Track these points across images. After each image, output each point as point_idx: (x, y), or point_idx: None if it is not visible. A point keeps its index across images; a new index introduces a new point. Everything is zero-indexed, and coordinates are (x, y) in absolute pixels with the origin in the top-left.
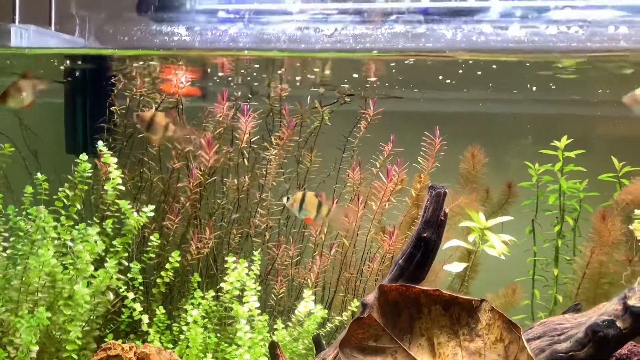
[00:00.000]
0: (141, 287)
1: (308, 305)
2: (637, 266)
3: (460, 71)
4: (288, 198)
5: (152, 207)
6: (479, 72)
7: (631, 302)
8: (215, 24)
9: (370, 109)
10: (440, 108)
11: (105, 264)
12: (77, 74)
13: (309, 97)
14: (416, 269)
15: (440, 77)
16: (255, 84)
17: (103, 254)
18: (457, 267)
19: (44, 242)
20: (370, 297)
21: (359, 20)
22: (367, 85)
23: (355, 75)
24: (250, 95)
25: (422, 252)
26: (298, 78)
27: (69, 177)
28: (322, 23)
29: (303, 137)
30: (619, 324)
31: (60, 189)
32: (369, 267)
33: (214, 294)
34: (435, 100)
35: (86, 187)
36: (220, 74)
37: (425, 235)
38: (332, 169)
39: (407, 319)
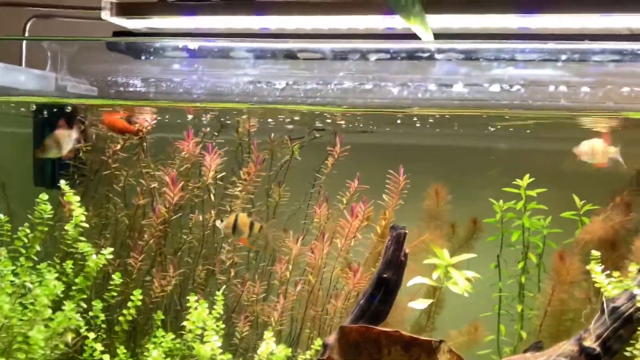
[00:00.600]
0: (104, 326)
1: (269, 346)
2: (596, 304)
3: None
4: (221, 220)
5: (111, 249)
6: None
7: (586, 343)
8: (170, 75)
9: (337, 145)
10: (410, 141)
11: (63, 307)
12: (45, 109)
13: (272, 134)
14: (377, 309)
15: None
16: (227, 117)
17: (62, 295)
18: (421, 304)
19: (1, 286)
20: (331, 338)
21: (310, 76)
22: (338, 122)
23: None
24: (219, 130)
25: (383, 292)
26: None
27: (29, 216)
28: (274, 78)
29: (273, 171)
30: None
31: (20, 228)
32: (333, 305)
33: (177, 332)
34: (405, 134)
35: (46, 229)
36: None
37: (385, 275)
38: (302, 203)
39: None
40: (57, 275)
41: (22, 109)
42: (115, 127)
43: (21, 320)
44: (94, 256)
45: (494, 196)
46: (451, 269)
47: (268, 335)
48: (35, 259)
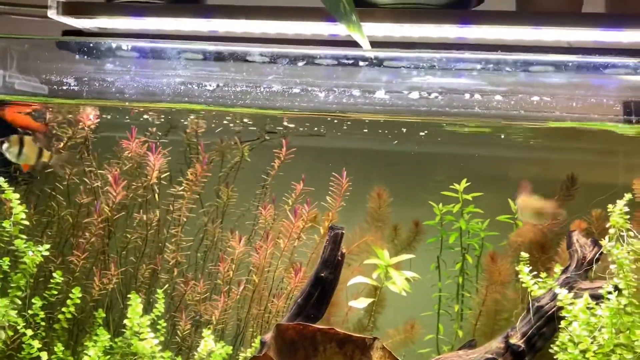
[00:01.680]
0: (43, 324)
1: (208, 344)
2: (526, 304)
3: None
4: (2, 142)
5: (47, 246)
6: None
7: (512, 340)
8: (102, 74)
9: (283, 147)
10: (356, 145)
11: None
12: None
13: (222, 136)
14: (314, 308)
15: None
16: (175, 118)
17: None
18: (362, 303)
19: None
20: (268, 336)
21: (240, 78)
22: (287, 124)
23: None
24: (168, 131)
25: (319, 291)
26: (214, 120)
27: None
28: (205, 80)
29: (223, 172)
30: None
31: None
32: (274, 304)
33: (121, 330)
34: (352, 136)
35: None
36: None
37: (323, 274)
38: (250, 204)
39: (303, 357)
40: None
41: None
42: (17, 123)
43: None
44: (30, 253)
45: (435, 200)
46: (391, 269)
47: (207, 333)
48: None
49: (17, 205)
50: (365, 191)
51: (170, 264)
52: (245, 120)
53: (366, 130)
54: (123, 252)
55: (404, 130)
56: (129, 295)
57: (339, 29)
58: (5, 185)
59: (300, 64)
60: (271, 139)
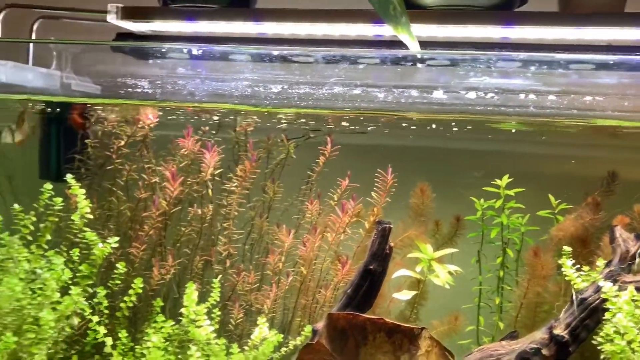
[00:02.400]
0: (107, 311)
1: (262, 331)
2: (568, 296)
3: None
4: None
5: (117, 238)
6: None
7: (556, 331)
8: (174, 78)
9: (328, 144)
10: (399, 142)
11: (70, 291)
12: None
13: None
14: (363, 299)
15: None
16: (225, 118)
17: (69, 282)
18: (405, 295)
19: (15, 271)
20: (320, 325)
21: (304, 81)
22: (329, 121)
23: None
24: (216, 130)
25: (368, 283)
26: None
27: (35, 205)
28: (271, 83)
29: (269, 169)
30: (544, 351)
31: (26, 215)
32: (322, 294)
33: (176, 318)
34: (395, 135)
35: (56, 220)
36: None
37: (371, 267)
38: (295, 198)
39: (353, 345)
40: (64, 261)
41: (29, 104)
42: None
43: (30, 304)
44: (100, 245)
45: (476, 195)
46: (434, 263)
47: (261, 321)
48: (46, 247)
49: (82, 200)
50: (404, 187)
51: (223, 255)
52: (302, 120)
53: (413, 128)
54: (177, 245)
55: (442, 128)
56: (186, 285)
57: (383, 30)
58: (73, 182)
59: (360, 65)
60: (315, 136)
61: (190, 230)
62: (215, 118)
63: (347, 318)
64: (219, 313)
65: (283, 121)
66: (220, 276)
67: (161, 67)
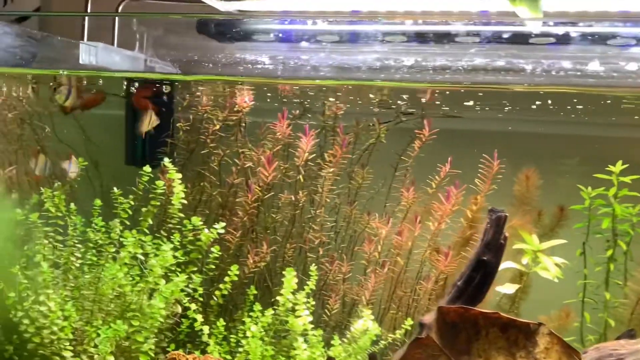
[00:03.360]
0: (201, 299)
1: (366, 323)
2: None
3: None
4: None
5: (224, 224)
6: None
7: None
8: (297, 52)
9: (426, 128)
10: (496, 127)
11: (176, 278)
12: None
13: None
14: (475, 291)
15: (505, 102)
16: (308, 101)
17: (172, 268)
18: (509, 288)
19: (120, 256)
20: (428, 318)
21: (439, 52)
22: (423, 104)
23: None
24: (302, 113)
25: (481, 275)
26: (358, 100)
27: (134, 189)
28: (403, 55)
29: (357, 154)
30: None
31: (125, 200)
32: (422, 287)
33: (270, 307)
34: (491, 119)
35: (158, 203)
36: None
37: (484, 258)
38: (382, 186)
39: (465, 340)
40: (172, 247)
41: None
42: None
43: (132, 290)
44: (206, 230)
45: (582, 183)
46: (541, 255)
47: (366, 313)
48: (147, 232)
49: (178, 185)
50: (504, 175)
51: (316, 243)
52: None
53: (507, 109)
54: (268, 231)
55: (548, 108)
56: (276, 274)
57: (491, 5)
58: (170, 166)
59: (493, 39)
60: (407, 120)
61: (281, 217)
62: (296, 100)
63: (458, 312)
64: (313, 303)
65: (373, 101)
66: (313, 265)
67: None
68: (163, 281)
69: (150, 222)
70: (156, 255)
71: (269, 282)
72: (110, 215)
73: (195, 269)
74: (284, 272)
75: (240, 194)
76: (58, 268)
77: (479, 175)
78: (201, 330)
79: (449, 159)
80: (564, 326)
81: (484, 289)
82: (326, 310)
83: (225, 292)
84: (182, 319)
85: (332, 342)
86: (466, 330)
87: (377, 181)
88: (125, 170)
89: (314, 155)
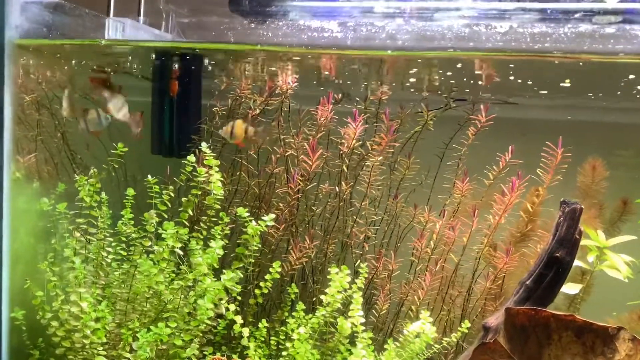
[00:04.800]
0: (238, 297)
1: (424, 327)
2: None
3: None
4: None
5: (273, 216)
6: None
7: None
8: (372, 18)
9: (482, 114)
10: (551, 116)
11: (222, 276)
12: (166, 72)
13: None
14: (545, 291)
15: (567, 81)
16: (348, 82)
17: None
18: (573, 288)
19: (159, 251)
20: (493, 320)
21: (538, 17)
22: (471, 90)
23: (464, 80)
24: (341, 99)
25: (553, 273)
26: (407, 82)
27: (175, 179)
28: (496, 20)
29: (400, 143)
30: None
31: (164, 191)
32: (481, 286)
33: (312, 307)
34: (547, 107)
35: (199, 192)
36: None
37: (558, 254)
38: (425, 177)
39: (535, 345)
40: (222, 243)
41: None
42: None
43: (172, 288)
44: (254, 223)
45: None
46: (608, 252)
47: (425, 315)
48: (187, 224)
49: (215, 173)
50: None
51: (360, 238)
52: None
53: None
54: (309, 225)
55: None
56: (322, 269)
57: None
58: (208, 151)
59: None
60: (457, 106)
61: (324, 209)
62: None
63: (528, 313)
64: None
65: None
66: (358, 261)
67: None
68: (208, 280)
69: (191, 213)
70: (202, 250)
71: (310, 279)
72: (139, 207)
73: (241, 265)
74: (326, 269)
75: (278, 185)
76: (89, 264)
77: (541, 165)
78: (239, 332)
79: (510, 147)
80: (634, 330)
81: (556, 289)
82: (374, 311)
83: (266, 291)
84: (218, 319)
85: (385, 346)
86: (536, 334)
87: (421, 172)
88: (153, 160)
89: (360, 143)
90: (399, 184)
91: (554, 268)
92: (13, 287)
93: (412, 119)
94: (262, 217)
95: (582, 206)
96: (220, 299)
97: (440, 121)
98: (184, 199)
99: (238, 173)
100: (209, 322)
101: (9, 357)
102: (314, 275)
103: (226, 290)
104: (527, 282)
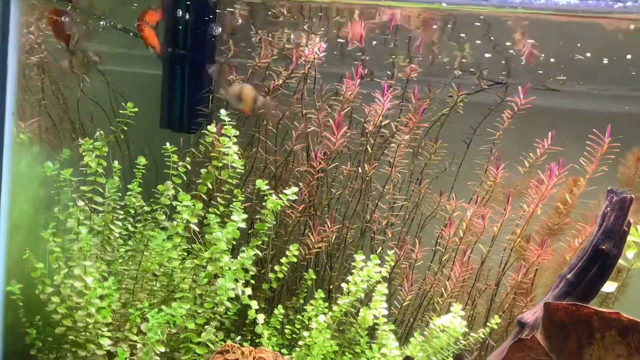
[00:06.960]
0: (252, 281)
1: (454, 321)
2: None
3: None
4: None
5: (295, 189)
6: None
7: None
8: None
9: (520, 97)
10: (588, 106)
11: (241, 254)
12: (178, 44)
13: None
14: (588, 286)
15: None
16: (369, 59)
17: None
18: (610, 286)
19: (173, 225)
20: (530, 316)
21: None
22: (507, 74)
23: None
24: (364, 76)
25: (598, 267)
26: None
27: (194, 151)
28: None
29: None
30: None
31: (181, 163)
32: (511, 279)
33: (330, 295)
34: (584, 95)
35: (220, 164)
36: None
37: (604, 247)
38: (450, 163)
39: (575, 344)
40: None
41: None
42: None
43: (186, 267)
44: (274, 197)
45: None
46: None
47: (457, 308)
48: (205, 198)
49: (232, 145)
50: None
51: (383, 224)
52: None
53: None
54: (329, 207)
55: None
56: (341, 255)
57: None
58: (227, 119)
59: None
60: (489, 89)
61: (342, 192)
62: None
63: (568, 310)
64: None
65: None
66: (380, 249)
67: None
68: (226, 257)
69: (210, 186)
70: (220, 226)
71: (327, 265)
72: (146, 183)
73: (260, 242)
74: (343, 255)
75: (295, 165)
76: (94, 237)
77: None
78: (253, 318)
79: (550, 134)
80: None
81: (600, 284)
82: (395, 302)
83: (281, 275)
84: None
85: (411, 339)
86: (577, 332)
87: (446, 158)
88: (159, 134)
89: (387, 121)
90: (422, 170)
91: (599, 261)
92: (10, 258)
93: (440, 101)
94: (285, 191)
95: (633, 196)
96: (236, 280)
97: (467, 106)
98: (203, 171)
99: (255, 149)
100: (228, 303)
101: (1, 335)
102: (332, 262)
103: (245, 270)
104: (568, 276)
